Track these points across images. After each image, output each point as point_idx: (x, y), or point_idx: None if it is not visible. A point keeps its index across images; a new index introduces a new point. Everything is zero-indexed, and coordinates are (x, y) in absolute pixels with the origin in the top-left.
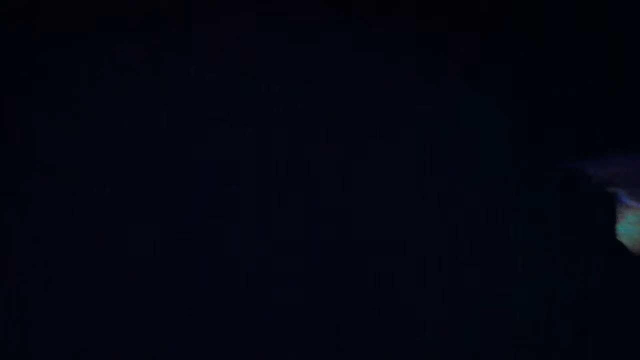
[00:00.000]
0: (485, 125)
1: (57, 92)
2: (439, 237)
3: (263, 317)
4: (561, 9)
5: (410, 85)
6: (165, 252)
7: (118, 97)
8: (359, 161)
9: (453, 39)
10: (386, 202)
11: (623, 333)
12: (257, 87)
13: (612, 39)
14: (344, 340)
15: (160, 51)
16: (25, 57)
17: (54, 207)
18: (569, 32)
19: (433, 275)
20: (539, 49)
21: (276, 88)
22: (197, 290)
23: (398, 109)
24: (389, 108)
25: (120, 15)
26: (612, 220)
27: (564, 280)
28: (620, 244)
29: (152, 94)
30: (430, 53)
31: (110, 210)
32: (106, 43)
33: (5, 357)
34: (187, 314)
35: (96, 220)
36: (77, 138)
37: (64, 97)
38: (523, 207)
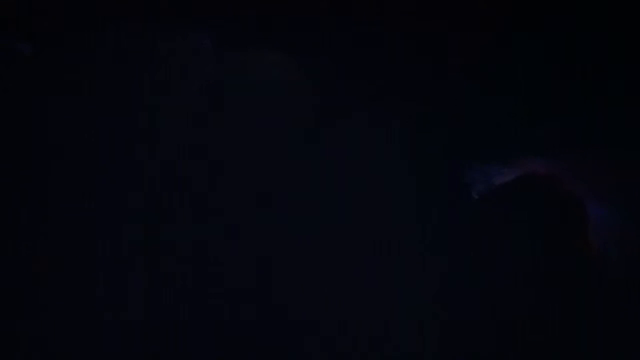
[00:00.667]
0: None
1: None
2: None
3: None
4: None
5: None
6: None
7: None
8: (352, 159)
9: (453, 39)
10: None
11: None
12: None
13: (612, 39)
14: None
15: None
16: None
17: (52, 207)
18: (569, 32)
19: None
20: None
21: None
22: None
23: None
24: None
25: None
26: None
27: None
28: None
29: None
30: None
31: (105, 211)
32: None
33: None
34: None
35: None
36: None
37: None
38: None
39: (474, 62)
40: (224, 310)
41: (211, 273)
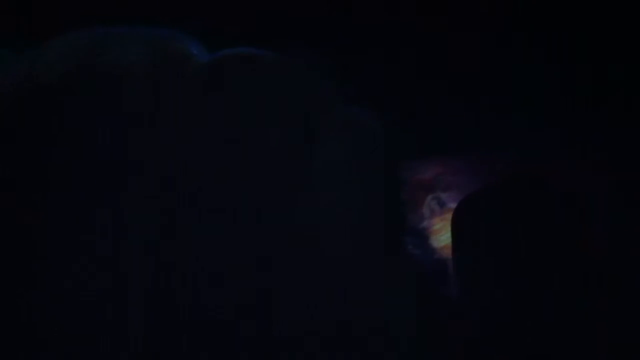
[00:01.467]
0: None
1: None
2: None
3: None
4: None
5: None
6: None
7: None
8: (352, 159)
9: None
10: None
11: None
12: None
13: (613, 39)
14: None
15: None
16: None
17: (52, 206)
18: (569, 32)
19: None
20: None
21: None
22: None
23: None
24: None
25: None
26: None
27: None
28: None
29: None
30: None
31: (105, 211)
32: None
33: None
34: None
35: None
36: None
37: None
38: None
39: (474, 62)
40: (224, 311)
41: (211, 273)
